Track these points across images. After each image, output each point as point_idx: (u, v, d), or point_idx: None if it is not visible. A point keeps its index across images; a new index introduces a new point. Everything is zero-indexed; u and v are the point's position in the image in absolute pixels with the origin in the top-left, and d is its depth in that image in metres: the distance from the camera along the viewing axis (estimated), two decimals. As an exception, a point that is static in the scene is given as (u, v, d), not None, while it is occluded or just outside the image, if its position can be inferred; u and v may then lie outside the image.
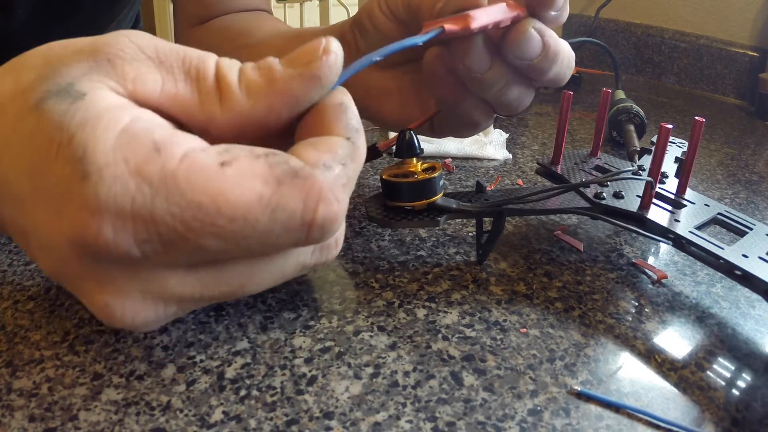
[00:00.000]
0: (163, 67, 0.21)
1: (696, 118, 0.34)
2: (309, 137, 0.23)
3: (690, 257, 0.35)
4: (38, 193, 0.20)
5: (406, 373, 0.27)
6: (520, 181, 0.49)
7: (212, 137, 0.22)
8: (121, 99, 0.21)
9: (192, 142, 0.20)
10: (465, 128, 0.36)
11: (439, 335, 0.29)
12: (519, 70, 0.32)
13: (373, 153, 0.35)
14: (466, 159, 0.53)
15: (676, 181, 0.37)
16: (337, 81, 0.23)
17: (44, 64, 0.21)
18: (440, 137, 0.39)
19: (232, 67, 0.22)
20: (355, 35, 0.38)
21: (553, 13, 0.31)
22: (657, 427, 0.25)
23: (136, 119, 0.20)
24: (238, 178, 0.19)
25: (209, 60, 0.22)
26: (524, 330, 0.30)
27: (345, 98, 0.23)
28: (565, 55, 0.31)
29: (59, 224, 0.19)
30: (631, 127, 0.56)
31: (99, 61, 0.21)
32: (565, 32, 1.01)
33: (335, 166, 0.21)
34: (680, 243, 0.33)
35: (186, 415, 0.24)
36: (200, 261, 0.21)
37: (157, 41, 0.22)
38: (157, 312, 0.22)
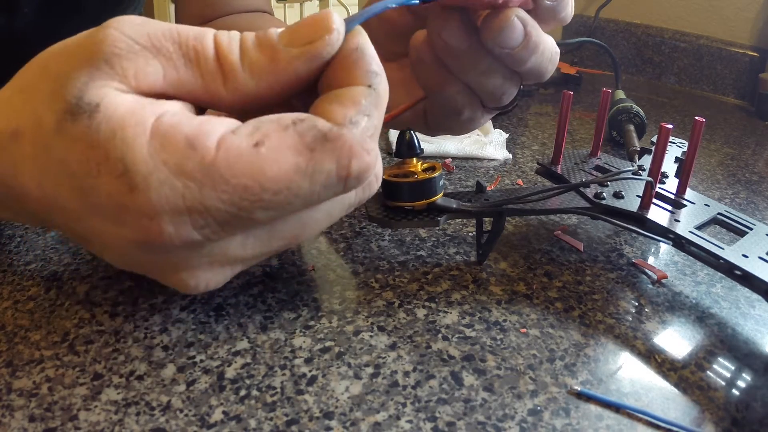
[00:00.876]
0: (160, 55, 0.21)
1: (696, 118, 0.34)
2: (331, 88, 0.23)
3: (690, 257, 0.35)
4: (91, 209, 0.21)
5: (406, 373, 0.27)
6: (520, 181, 0.49)
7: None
8: (132, 97, 0.21)
9: (219, 126, 0.21)
10: (452, 117, 0.36)
11: (439, 335, 0.29)
12: (498, 57, 0.31)
13: None
14: (466, 159, 0.53)
15: (676, 181, 0.37)
16: (351, 25, 0.23)
17: (45, 79, 0.22)
18: (434, 134, 0.39)
19: (231, 43, 0.22)
20: None
21: (548, 2, 0.30)
22: (657, 427, 0.25)
23: (160, 116, 0.20)
24: (274, 154, 0.21)
25: (206, 39, 0.22)
26: (524, 330, 0.30)
27: (361, 40, 0.23)
28: (546, 48, 0.31)
29: (121, 232, 0.21)
30: (631, 127, 0.56)
31: (97, 64, 0.21)
32: (565, 32, 1.01)
33: (361, 119, 0.22)
34: (680, 243, 0.33)
35: (186, 415, 0.24)
36: (254, 228, 0.23)
37: (147, 27, 0.22)
38: (225, 274, 0.25)
